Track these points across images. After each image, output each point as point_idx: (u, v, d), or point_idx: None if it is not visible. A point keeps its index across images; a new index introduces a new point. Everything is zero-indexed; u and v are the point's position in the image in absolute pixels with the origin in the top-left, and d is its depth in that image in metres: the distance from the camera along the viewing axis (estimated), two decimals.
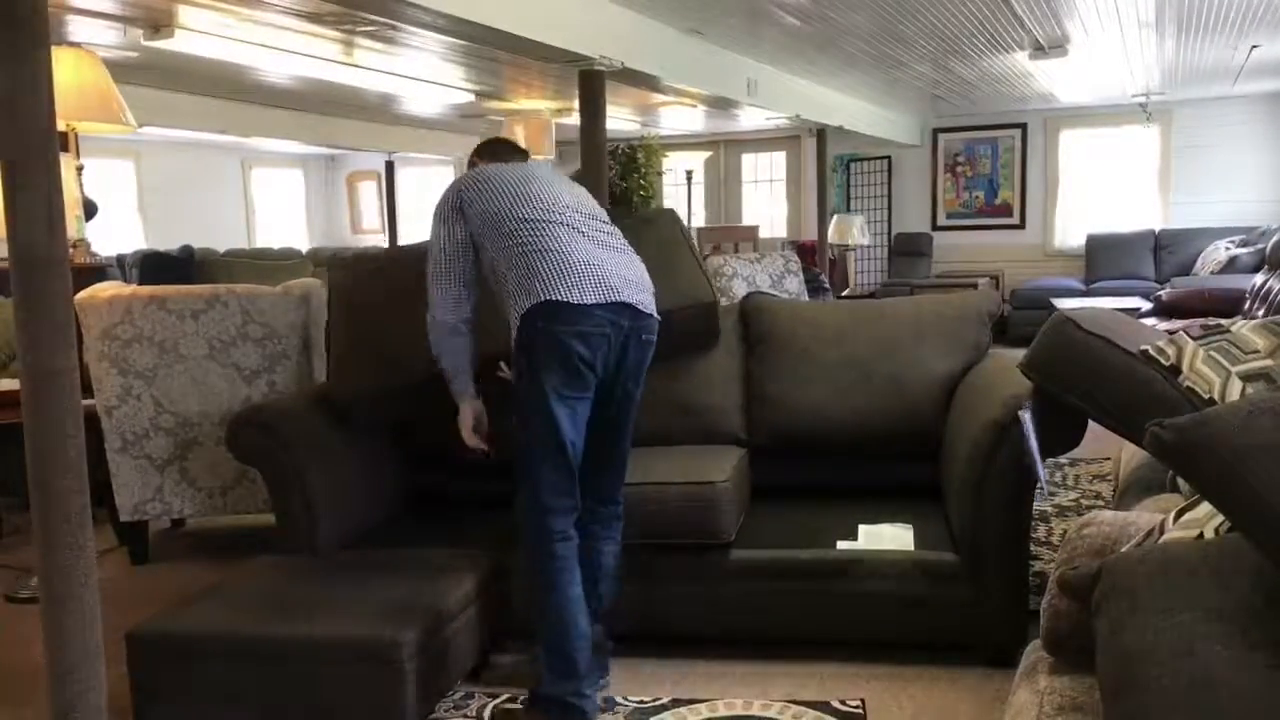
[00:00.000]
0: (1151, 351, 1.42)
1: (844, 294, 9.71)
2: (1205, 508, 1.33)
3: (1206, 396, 1.33)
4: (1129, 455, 2.75)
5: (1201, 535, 1.31)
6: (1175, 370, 1.39)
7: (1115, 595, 1.21)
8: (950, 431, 2.95)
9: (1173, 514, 1.39)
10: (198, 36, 5.13)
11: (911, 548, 2.68)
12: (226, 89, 7.64)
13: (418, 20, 4.16)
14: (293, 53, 5.79)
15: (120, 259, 8.97)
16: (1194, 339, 1.40)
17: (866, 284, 10.70)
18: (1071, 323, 2.33)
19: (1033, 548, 2.97)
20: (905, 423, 3.07)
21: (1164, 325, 5.70)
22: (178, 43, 5.05)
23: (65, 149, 4.44)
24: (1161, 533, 1.38)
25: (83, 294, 3.53)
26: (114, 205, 10.15)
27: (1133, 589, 1.20)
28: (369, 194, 13.05)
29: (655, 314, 2.45)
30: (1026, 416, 2.43)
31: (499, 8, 4.23)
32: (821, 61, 7.02)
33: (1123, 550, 1.38)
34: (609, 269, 2.37)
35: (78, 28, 5.27)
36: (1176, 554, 1.21)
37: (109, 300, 3.47)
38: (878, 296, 9.74)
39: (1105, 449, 3.66)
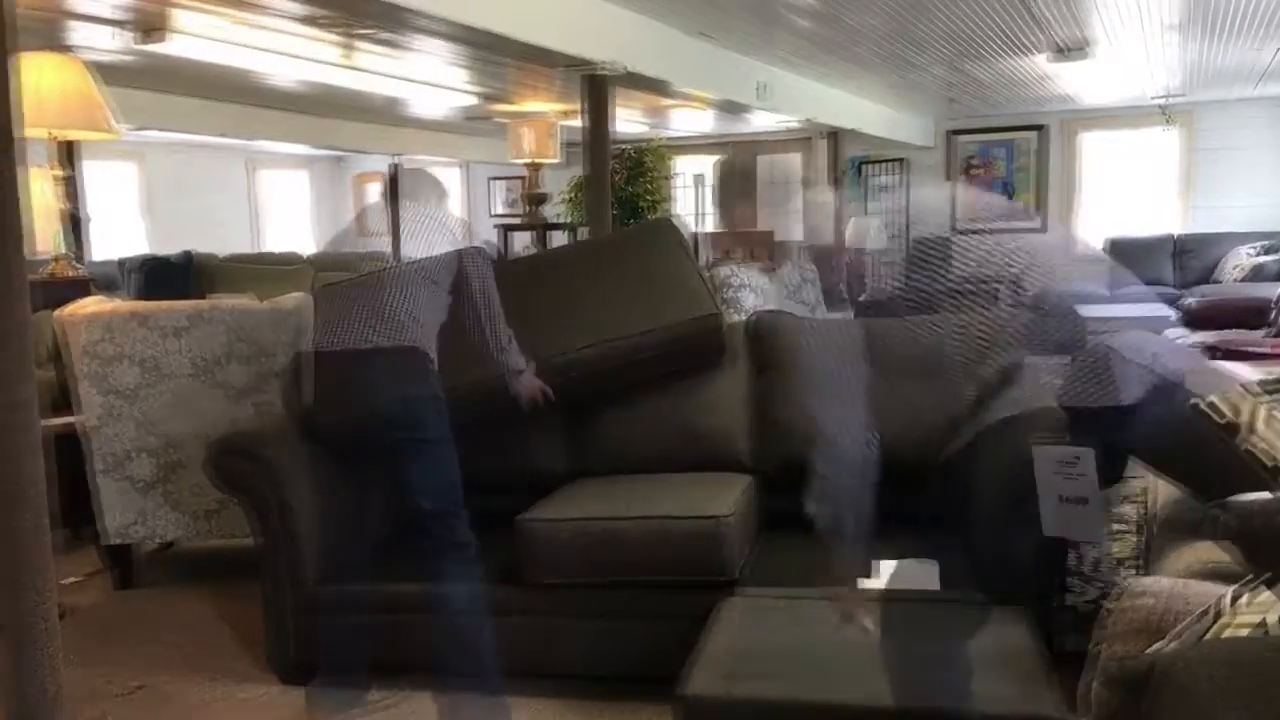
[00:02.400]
0: (1204, 407, 1.26)
1: (861, 298, 9.52)
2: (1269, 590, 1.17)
3: (1270, 465, 1.17)
4: (1163, 486, 2.58)
5: (1264, 623, 1.15)
6: (1232, 429, 1.23)
7: (1173, 698, 1.05)
8: (975, 460, 2.78)
9: (1230, 594, 1.23)
10: (191, 40, 5.00)
11: (936, 586, 2.51)
12: (229, 92, 7.52)
13: (416, 25, 4.02)
14: (291, 56, 5.66)
15: (121, 264, 8.86)
16: (1253, 395, 1.24)
17: (881, 289, 10.51)
18: (1115, 354, 2.17)
19: None
20: (928, 451, 2.89)
21: (1194, 338, 5.51)
22: (171, 46, 4.92)
23: (63, 157, 4.33)
24: (1219, 615, 1.22)
25: (63, 310, 3.41)
26: (117, 209, 10.06)
27: (1193, 692, 1.04)
28: (376, 196, 12.93)
29: None
30: (1040, 450, 2.25)
31: (498, 12, 4.08)
32: (834, 64, 6.85)
33: (1177, 637, 1.22)
34: None
35: (73, 32, 5.15)
36: (1243, 652, 1.05)
37: (89, 317, 3.34)
38: (892, 304, 9.55)
39: (1131, 467, 3.50)
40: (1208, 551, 1.89)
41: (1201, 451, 1.71)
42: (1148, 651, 1.18)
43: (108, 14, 4.65)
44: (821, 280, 5.90)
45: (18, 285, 2.04)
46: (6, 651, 2.08)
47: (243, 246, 10.98)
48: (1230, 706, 0.99)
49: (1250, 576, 1.21)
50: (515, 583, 2.62)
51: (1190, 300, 7.11)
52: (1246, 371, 3.43)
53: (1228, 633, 1.17)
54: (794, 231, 11.29)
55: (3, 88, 1.99)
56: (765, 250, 9.34)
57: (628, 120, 8.92)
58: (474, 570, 2.58)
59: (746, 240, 9.73)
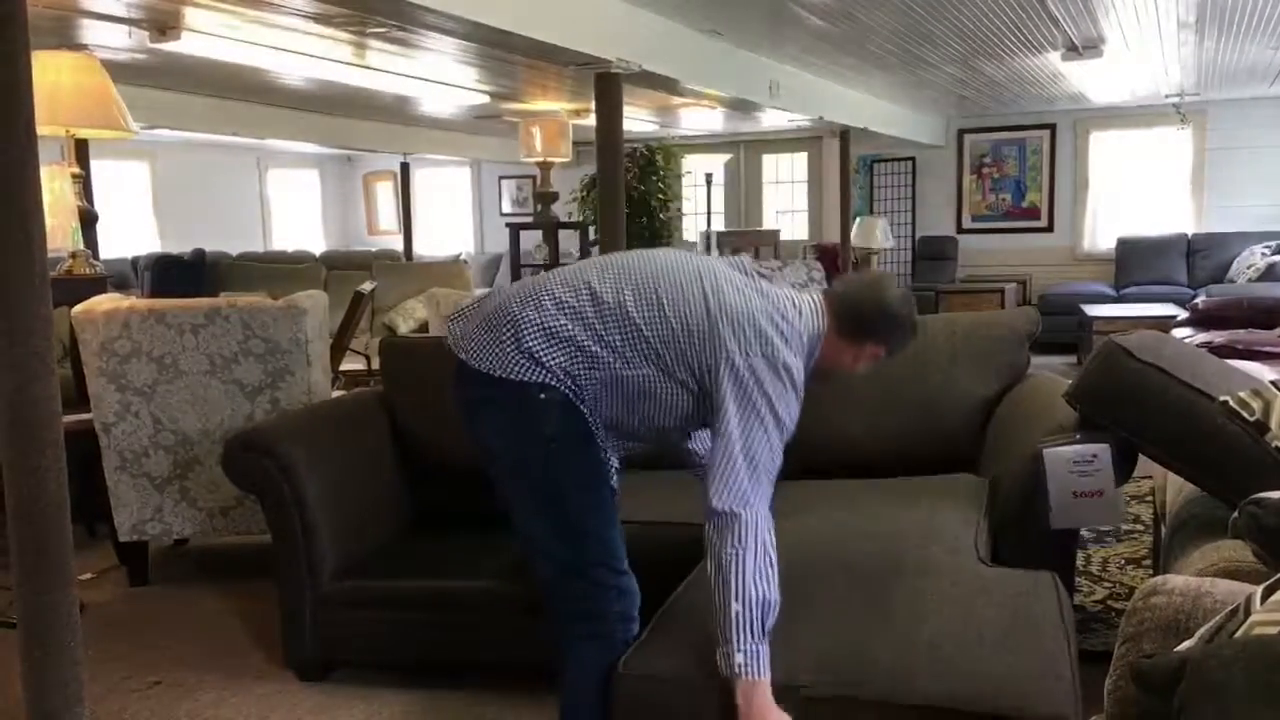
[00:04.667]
0: (1233, 404, 1.25)
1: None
2: None
3: None
4: (1177, 484, 2.57)
5: None
6: (1261, 427, 1.22)
7: (1206, 696, 1.04)
8: (987, 461, 2.78)
9: (1260, 592, 1.22)
10: (205, 38, 5.01)
11: None
12: (240, 91, 7.54)
13: (429, 23, 4.03)
14: (303, 54, 5.67)
15: (134, 262, 8.90)
16: None
17: None
18: (1124, 352, 2.16)
19: None
20: (938, 450, 2.90)
21: (1202, 336, 5.49)
22: (185, 45, 4.94)
23: (76, 155, 4.34)
24: (1247, 613, 1.21)
25: (79, 307, 3.42)
26: (128, 207, 10.10)
27: (1227, 691, 1.03)
28: (385, 195, 12.95)
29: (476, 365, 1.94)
30: (1052, 453, 2.25)
31: (512, 10, 4.09)
32: (846, 62, 6.84)
33: (1203, 634, 1.21)
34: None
35: (86, 30, 5.17)
36: (1277, 651, 1.04)
37: (106, 314, 3.35)
38: None
39: (1144, 467, 3.49)
40: (1229, 550, 1.88)
41: (1226, 460, 1.70)
42: (1177, 650, 1.17)
43: (122, 12, 4.67)
44: (828, 279, 5.90)
45: (39, 282, 2.05)
46: (28, 646, 2.09)
47: (253, 245, 11.02)
48: (1265, 705, 0.98)
49: None
50: (525, 580, 2.61)
51: (1198, 299, 7.09)
52: (1261, 371, 3.42)
53: (1258, 631, 1.16)
54: (800, 231, 11.30)
55: (21, 85, 2.00)
56: (771, 248, 9.34)
57: (636, 119, 8.92)
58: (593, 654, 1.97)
59: (753, 239, 9.75)
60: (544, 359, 1.90)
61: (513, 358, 1.90)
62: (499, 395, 1.93)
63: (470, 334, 1.98)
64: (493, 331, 1.94)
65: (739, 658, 1.71)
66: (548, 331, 1.91)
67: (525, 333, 1.91)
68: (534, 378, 1.89)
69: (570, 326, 1.91)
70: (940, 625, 1.82)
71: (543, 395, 1.90)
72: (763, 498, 1.82)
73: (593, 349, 1.91)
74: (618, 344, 1.91)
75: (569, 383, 1.91)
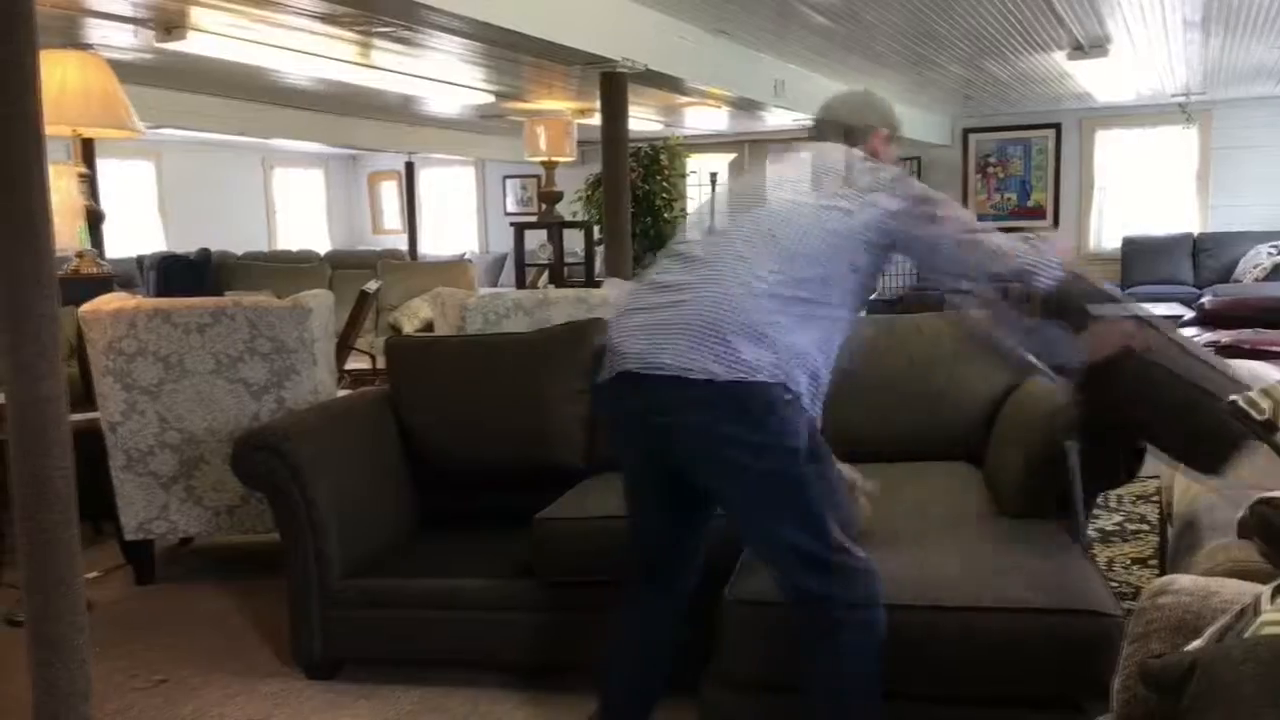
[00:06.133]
0: (1242, 404, 1.25)
1: (869, 298, 9.49)
2: None
3: None
4: (1183, 483, 2.56)
5: None
6: (1270, 427, 1.22)
7: (1214, 696, 1.04)
8: (992, 458, 2.77)
9: (1268, 591, 1.22)
10: (211, 38, 5.02)
11: None
12: (246, 90, 7.56)
13: (434, 23, 4.03)
14: (309, 54, 5.68)
15: (140, 261, 8.91)
16: None
17: (894, 288, 10.47)
18: (1128, 349, 2.15)
19: None
20: (943, 446, 2.90)
21: (1209, 336, 5.48)
22: (191, 44, 4.95)
23: (82, 155, 4.36)
24: (1256, 613, 1.21)
25: (86, 306, 3.43)
26: (134, 206, 10.13)
27: (1236, 690, 1.03)
28: (390, 194, 12.97)
29: (678, 375, 1.79)
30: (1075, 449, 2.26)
31: (518, 10, 4.09)
32: (851, 61, 6.84)
33: (1212, 634, 1.21)
34: (625, 330, 1.91)
35: (92, 30, 5.18)
36: None
37: (113, 313, 3.36)
38: (906, 301, 9.53)
39: (1150, 466, 3.48)
40: (1237, 550, 1.87)
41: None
42: (1186, 649, 1.17)
43: (129, 12, 4.68)
44: None
45: (46, 281, 2.06)
46: (35, 644, 2.10)
47: (258, 244, 11.03)
48: (1274, 705, 0.98)
49: None
50: (532, 579, 2.62)
51: (1204, 299, 7.07)
52: (1268, 370, 3.41)
53: (1267, 630, 1.16)
54: None
55: (29, 85, 2.01)
56: None
57: (641, 118, 8.92)
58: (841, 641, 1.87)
59: None
60: (782, 345, 1.81)
61: (756, 359, 1.78)
62: (734, 408, 1.79)
63: (665, 350, 1.81)
64: (707, 343, 1.79)
65: None
66: (767, 320, 1.82)
67: (747, 331, 1.80)
68: (773, 378, 1.79)
69: (769, 306, 1.83)
70: (990, 554, 2.20)
71: (787, 396, 1.80)
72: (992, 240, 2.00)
73: (797, 310, 1.85)
74: (811, 285, 1.89)
75: (801, 363, 1.84)
